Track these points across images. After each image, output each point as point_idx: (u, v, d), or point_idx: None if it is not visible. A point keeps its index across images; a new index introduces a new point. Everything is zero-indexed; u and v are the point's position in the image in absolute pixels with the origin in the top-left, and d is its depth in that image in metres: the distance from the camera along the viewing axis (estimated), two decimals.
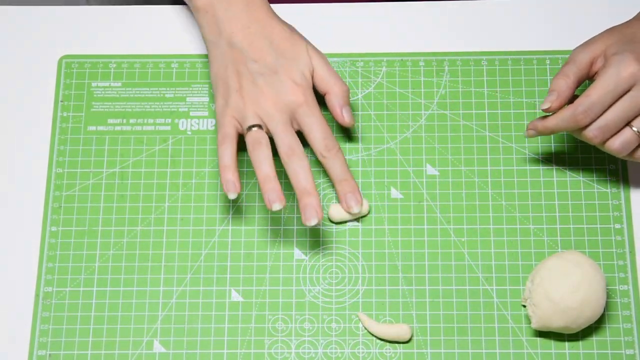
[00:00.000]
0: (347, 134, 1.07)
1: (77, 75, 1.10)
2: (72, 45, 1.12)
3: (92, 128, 1.08)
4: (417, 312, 1.00)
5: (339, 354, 0.99)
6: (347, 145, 1.07)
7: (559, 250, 1.02)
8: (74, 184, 1.06)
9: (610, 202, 1.04)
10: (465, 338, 0.99)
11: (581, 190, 1.04)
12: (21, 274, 1.02)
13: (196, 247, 1.03)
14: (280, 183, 1.01)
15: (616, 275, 1.01)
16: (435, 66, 1.10)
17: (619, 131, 0.97)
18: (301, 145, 0.99)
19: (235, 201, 1.04)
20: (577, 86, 0.98)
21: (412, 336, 0.99)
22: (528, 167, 1.05)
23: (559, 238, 1.03)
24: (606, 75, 0.96)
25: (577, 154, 1.06)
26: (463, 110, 1.08)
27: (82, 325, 1.00)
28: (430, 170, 1.06)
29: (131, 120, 1.08)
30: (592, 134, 0.97)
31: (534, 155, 1.06)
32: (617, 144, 0.97)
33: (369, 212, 1.03)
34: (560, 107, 0.98)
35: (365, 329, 1.00)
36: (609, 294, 1.00)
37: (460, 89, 1.09)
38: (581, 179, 1.05)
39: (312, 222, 0.97)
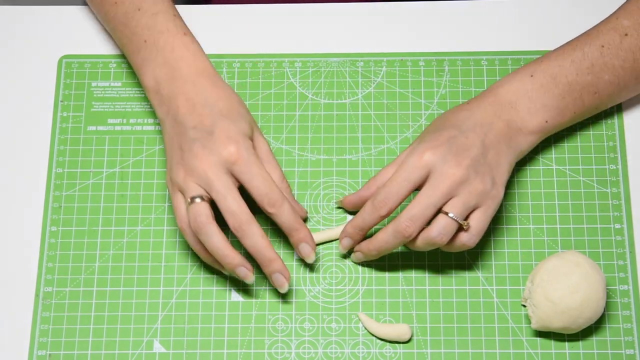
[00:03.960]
0: (347, 133, 1.07)
1: (77, 75, 1.10)
2: (72, 45, 1.12)
3: (92, 128, 1.08)
4: (417, 312, 1.00)
5: (339, 354, 0.99)
6: (347, 146, 1.07)
7: (559, 250, 1.02)
8: (74, 184, 1.06)
9: (610, 202, 1.04)
10: (465, 338, 0.99)
11: (581, 190, 1.04)
12: (21, 274, 1.02)
13: None
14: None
15: (616, 275, 1.01)
16: (435, 66, 1.10)
17: (431, 221, 0.96)
18: (246, 208, 0.96)
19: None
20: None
21: (412, 336, 0.99)
22: (528, 167, 1.05)
23: (559, 238, 1.03)
24: (402, 164, 0.96)
25: (577, 154, 1.06)
26: None
27: (82, 325, 1.00)
28: None
29: (131, 120, 1.08)
30: (403, 225, 0.96)
31: (534, 155, 1.05)
32: (434, 232, 0.96)
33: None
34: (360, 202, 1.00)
35: (365, 329, 1.00)
36: (609, 294, 1.00)
37: (460, 89, 1.09)
38: (581, 179, 1.05)
39: (284, 288, 0.97)
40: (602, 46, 1.01)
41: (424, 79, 1.10)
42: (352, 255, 1.01)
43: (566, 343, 0.99)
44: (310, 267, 1.02)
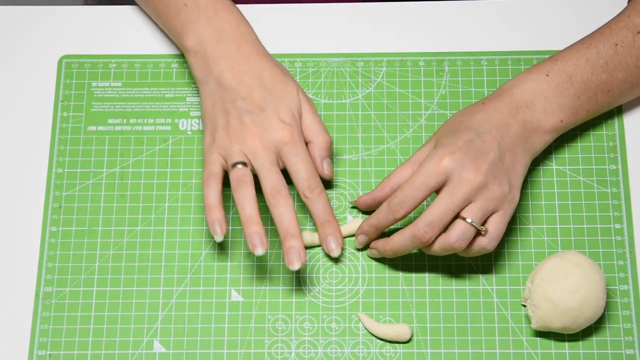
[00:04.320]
0: (347, 133, 1.07)
1: (77, 75, 1.10)
2: (72, 45, 1.12)
3: (92, 128, 1.08)
4: (417, 312, 1.00)
5: (339, 354, 0.99)
6: (347, 145, 1.07)
7: (559, 250, 1.02)
8: (74, 184, 1.06)
9: (610, 202, 1.04)
10: (465, 338, 0.99)
11: (581, 190, 1.04)
12: (21, 274, 1.02)
13: (196, 247, 1.03)
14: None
15: (616, 275, 1.01)
16: (435, 66, 1.10)
17: (448, 226, 0.96)
18: (286, 185, 0.98)
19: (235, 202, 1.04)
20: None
21: (412, 336, 0.99)
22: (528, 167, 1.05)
23: (559, 238, 1.03)
24: (420, 168, 0.97)
25: (577, 154, 1.06)
26: None
27: (82, 325, 1.00)
28: None
29: (131, 120, 1.08)
30: (421, 231, 0.95)
31: None
32: (453, 238, 0.96)
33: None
34: (376, 203, 1.00)
35: (365, 329, 1.00)
36: (609, 294, 1.00)
37: (460, 89, 1.09)
38: (581, 179, 1.05)
39: (295, 266, 0.96)
40: (616, 44, 1.01)
41: (424, 79, 1.10)
42: (368, 250, 1.02)
43: (566, 343, 0.99)
44: (311, 267, 1.02)
